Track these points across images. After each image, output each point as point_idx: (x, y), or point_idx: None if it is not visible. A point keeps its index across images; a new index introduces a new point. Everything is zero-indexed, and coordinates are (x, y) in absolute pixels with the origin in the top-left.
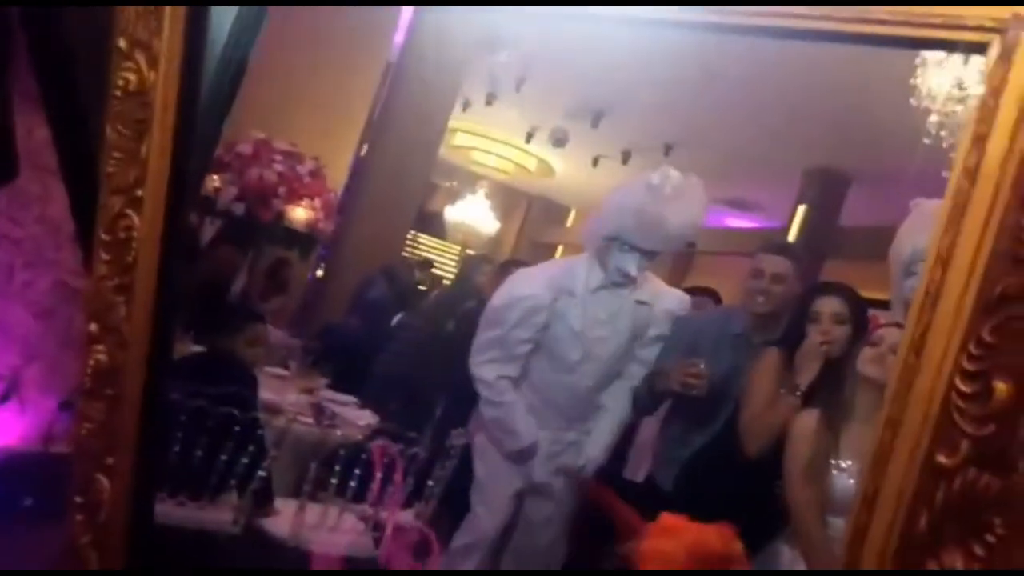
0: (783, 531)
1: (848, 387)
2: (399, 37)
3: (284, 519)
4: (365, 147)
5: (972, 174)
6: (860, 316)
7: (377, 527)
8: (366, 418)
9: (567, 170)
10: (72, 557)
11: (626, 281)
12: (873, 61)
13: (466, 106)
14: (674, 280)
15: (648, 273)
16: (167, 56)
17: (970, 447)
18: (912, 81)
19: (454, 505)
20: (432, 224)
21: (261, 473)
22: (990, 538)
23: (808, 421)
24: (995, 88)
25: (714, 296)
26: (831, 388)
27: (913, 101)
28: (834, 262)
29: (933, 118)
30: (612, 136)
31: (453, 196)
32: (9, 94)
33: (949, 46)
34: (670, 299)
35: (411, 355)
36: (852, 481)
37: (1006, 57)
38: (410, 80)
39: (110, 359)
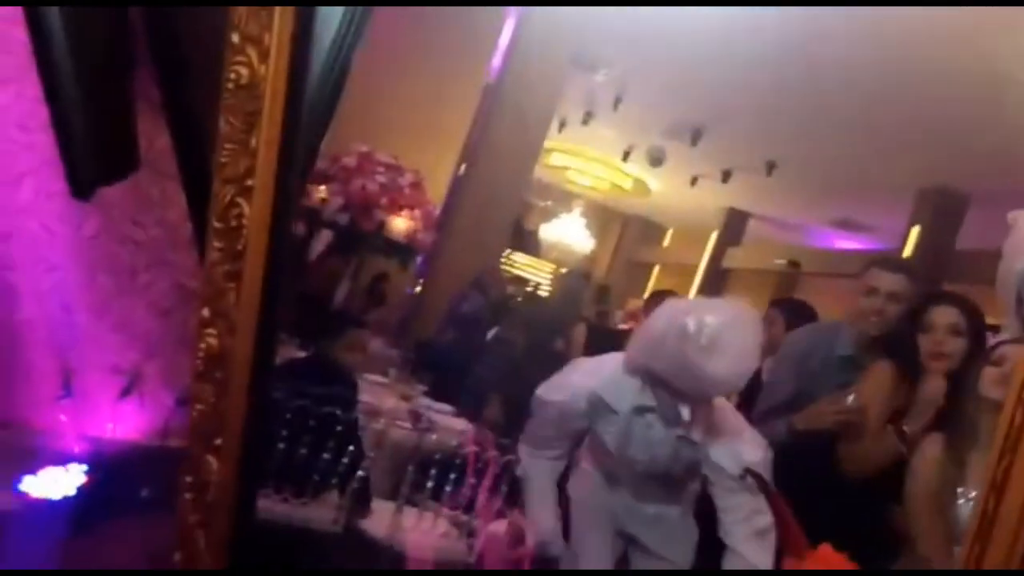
0: (898, 560)
1: (971, 411)
2: (497, 60)
3: (381, 520)
4: (464, 167)
5: None
6: (978, 329)
7: (471, 533)
8: (462, 425)
9: (664, 189)
10: (181, 538)
11: (678, 422)
12: (990, 75)
13: (562, 126)
14: (776, 296)
15: (721, 402)
16: (277, 50)
17: None
18: None
19: None
20: (527, 242)
21: (360, 474)
22: None
23: (933, 447)
24: None
25: (791, 308)
26: (953, 409)
27: None
28: (951, 287)
29: None
30: (711, 155)
31: (548, 215)
32: (132, 93)
33: None
34: (729, 455)
35: (508, 368)
36: None
37: None
38: (508, 101)
39: (220, 343)
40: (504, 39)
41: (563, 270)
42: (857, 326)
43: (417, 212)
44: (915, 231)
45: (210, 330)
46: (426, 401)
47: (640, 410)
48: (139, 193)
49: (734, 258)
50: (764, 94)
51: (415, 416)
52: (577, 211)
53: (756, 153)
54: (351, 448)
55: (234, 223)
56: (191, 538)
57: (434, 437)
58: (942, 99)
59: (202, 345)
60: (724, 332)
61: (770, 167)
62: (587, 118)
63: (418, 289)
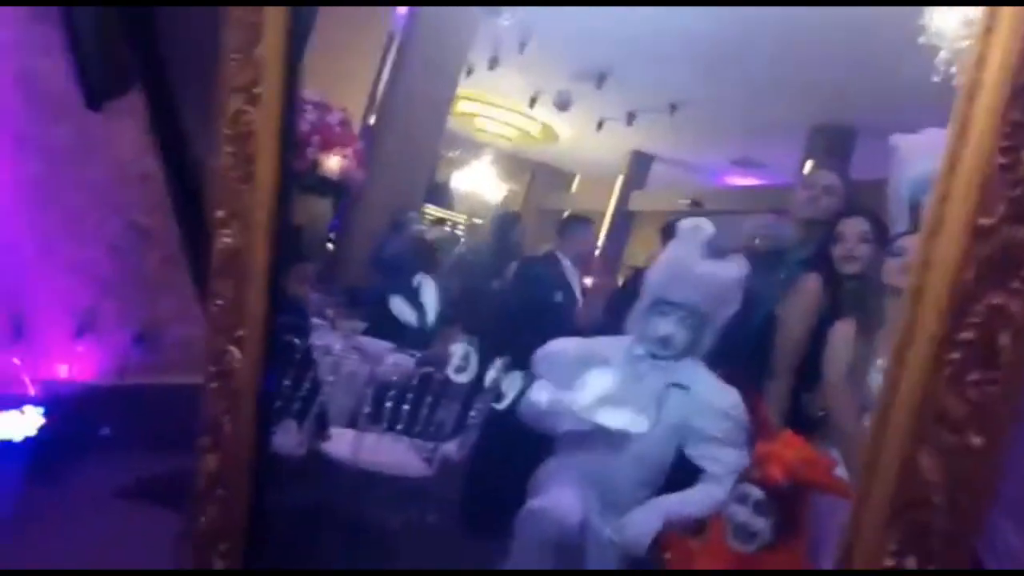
0: (813, 435)
1: (877, 297)
2: (403, 8)
3: (344, 443)
4: (374, 118)
5: None
6: (883, 235)
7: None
8: (404, 359)
9: (571, 135)
10: (209, 425)
11: (664, 347)
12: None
13: (469, 72)
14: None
15: (697, 364)
16: None
17: (1006, 207)
18: (920, 21)
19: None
20: (436, 194)
21: (320, 398)
22: None
23: (846, 330)
24: None
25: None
26: (862, 297)
27: (922, 39)
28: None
29: (943, 55)
30: (616, 98)
31: (458, 165)
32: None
33: None
34: (718, 394)
35: (446, 311)
36: None
37: None
38: (419, 49)
39: (236, 241)
40: None
41: (476, 220)
42: (794, 212)
43: (348, 150)
44: (808, 164)
45: (226, 230)
46: (366, 339)
47: (633, 359)
48: (83, 131)
49: (639, 201)
50: (666, 36)
51: (360, 351)
52: (487, 159)
53: (659, 95)
54: (310, 374)
55: (244, 129)
56: (218, 424)
57: (390, 362)
58: (831, 41)
59: (219, 245)
60: (712, 237)
61: (672, 108)
62: (493, 63)
63: (330, 246)
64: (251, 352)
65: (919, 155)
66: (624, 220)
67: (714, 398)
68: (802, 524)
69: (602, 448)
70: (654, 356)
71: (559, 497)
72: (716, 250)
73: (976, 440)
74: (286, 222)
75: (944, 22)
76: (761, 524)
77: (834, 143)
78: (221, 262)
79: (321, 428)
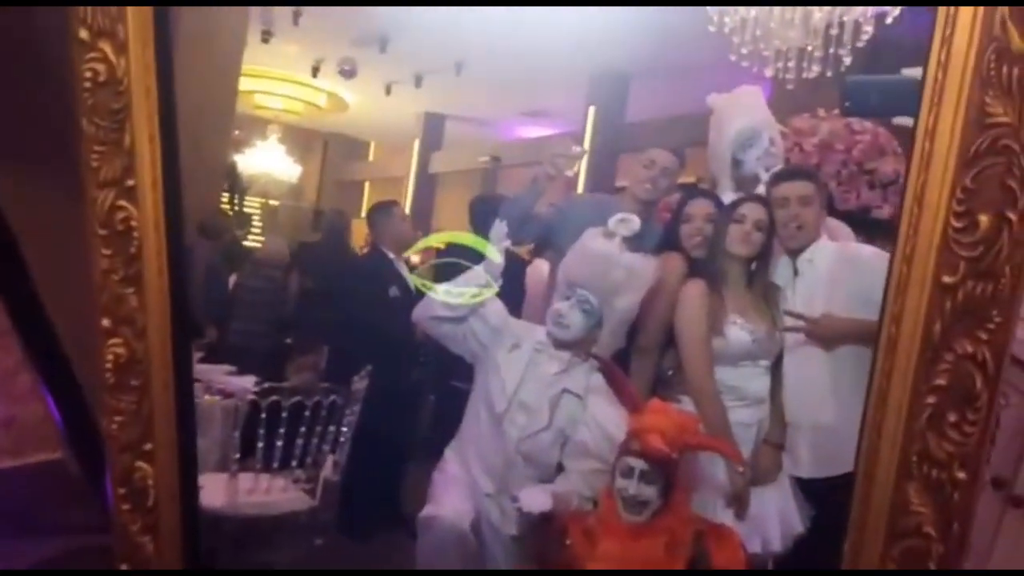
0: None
1: (720, 262)
2: None
3: (217, 490)
4: None
5: (944, 66)
6: (722, 211)
7: (308, 480)
8: (250, 382)
9: (361, 102)
10: (127, 549)
11: (559, 327)
12: None
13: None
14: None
15: (592, 373)
16: (136, 40)
17: (966, 266)
18: None
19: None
20: (229, 178)
21: None
22: (990, 325)
23: (696, 290)
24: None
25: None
26: (706, 262)
27: None
28: (626, 155)
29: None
30: (402, 61)
31: (241, 145)
32: None
33: None
34: (605, 412)
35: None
36: (745, 333)
37: None
38: (192, 27)
39: (128, 351)
40: None
41: (272, 202)
42: (632, 191)
43: None
44: (592, 111)
45: (114, 340)
46: (203, 367)
47: (535, 345)
48: None
49: (440, 162)
50: None
51: (204, 386)
52: (273, 137)
53: (444, 55)
54: None
55: (121, 227)
56: (138, 546)
57: (235, 400)
58: None
59: (108, 356)
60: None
61: (458, 68)
62: (267, 36)
63: None
64: (163, 466)
65: (735, 113)
66: (427, 183)
67: (601, 416)
68: (681, 481)
69: (495, 444)
70: (556, 343)
71: (450, 503)
72: (635, 246)
73: (961, 474)
74: (186, 318)
75: None
76: (650, 492)
77: (612, 88)
78: (114, 376)
79: None
